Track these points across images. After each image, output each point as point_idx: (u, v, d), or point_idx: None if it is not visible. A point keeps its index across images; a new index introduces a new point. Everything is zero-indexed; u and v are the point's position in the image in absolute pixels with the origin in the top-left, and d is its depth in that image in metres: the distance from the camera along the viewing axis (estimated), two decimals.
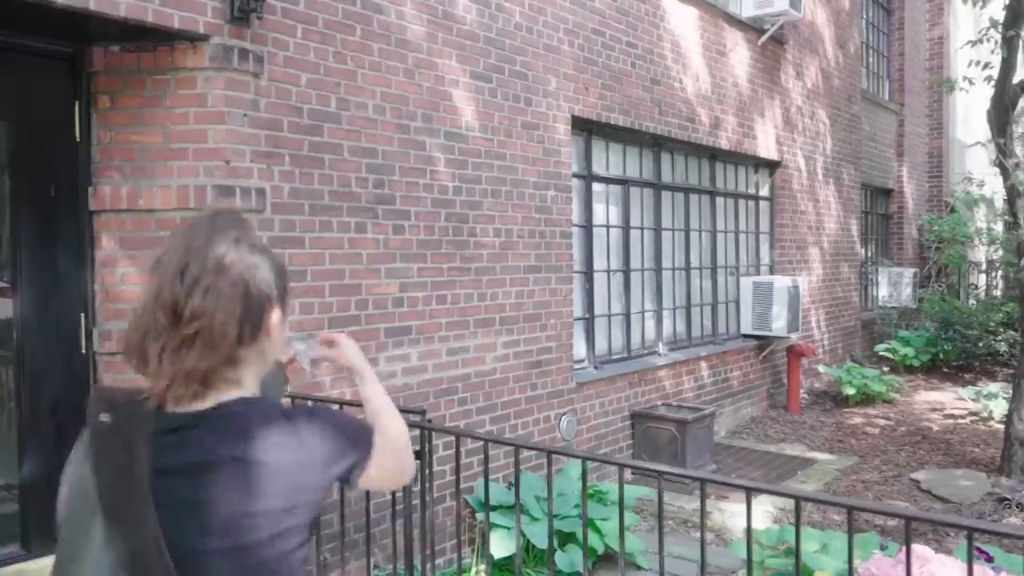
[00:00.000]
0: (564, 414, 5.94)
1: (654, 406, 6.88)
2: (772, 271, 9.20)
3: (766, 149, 8.78)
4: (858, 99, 11.22)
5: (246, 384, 1.39)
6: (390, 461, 1.51)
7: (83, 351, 3.92)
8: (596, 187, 6.62)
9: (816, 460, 7.05)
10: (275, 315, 1.40)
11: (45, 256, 3.83)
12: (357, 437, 1.46)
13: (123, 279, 3.89)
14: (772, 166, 9.14)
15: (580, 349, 6.38)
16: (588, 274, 6.47)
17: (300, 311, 4.20)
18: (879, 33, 12.98)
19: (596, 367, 6.46)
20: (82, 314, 3.92)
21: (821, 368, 9.56)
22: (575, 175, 6.25)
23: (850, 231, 10.95)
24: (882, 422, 8.22)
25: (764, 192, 9.16)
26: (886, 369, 10.40)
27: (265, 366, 1.44)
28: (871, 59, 12.67)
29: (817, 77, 9.93)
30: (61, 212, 3.87)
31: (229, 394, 1.36)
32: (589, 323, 6.48)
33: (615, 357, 6.79)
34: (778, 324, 8.37)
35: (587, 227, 6.47)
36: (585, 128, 6.37)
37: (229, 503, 1.28)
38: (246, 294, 1.34)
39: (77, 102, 3.90)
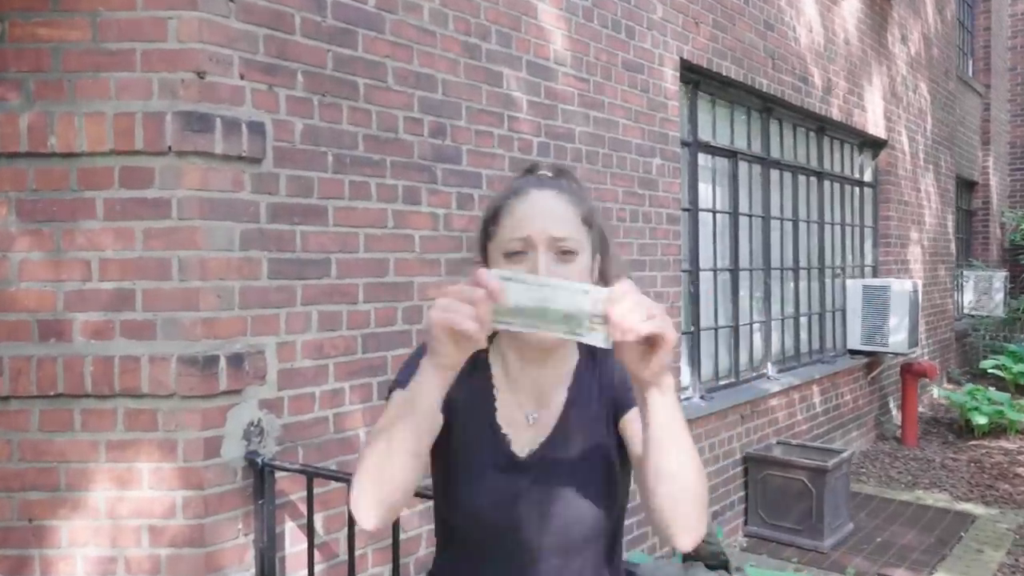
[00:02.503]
0: None
1: (768, 446, 5.29)
2: (876, 272, 7.61)
3: (874, 125, 7.19)
4: (954, 75, 9.65)
5: None
6: None
7: None
8: (701, 158, 5.03)
9: (974, 515, 5.44)
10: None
11: None
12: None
13: (22, 272, 2.30)
14: (877, 146, 7.55)
15: (684, 373, 4.79)
16: (694, 273, 4.87)
17: (319, 326, 2.61)
18: (963, 4, 11.40)
19: (703, 397, 4.86)
20: None
21: (935, 391, 7.96)
22: (681, 142, 4.67)
23: (946, 227, 9.35)
24: None
25: (867, 177, 7.57)
26: (992, 389, 8.78)
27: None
28: (957, 33, 11.08)
29: (920, 44, 8.35)
30: None
31: None
32: (694, 337, 4.88)
33: (723, 383, 5.19)
34: (896, 338, 6.77)
35: (692, 211, 4.88)
36: (690, 79, 4.79)
37: None
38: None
39: None
